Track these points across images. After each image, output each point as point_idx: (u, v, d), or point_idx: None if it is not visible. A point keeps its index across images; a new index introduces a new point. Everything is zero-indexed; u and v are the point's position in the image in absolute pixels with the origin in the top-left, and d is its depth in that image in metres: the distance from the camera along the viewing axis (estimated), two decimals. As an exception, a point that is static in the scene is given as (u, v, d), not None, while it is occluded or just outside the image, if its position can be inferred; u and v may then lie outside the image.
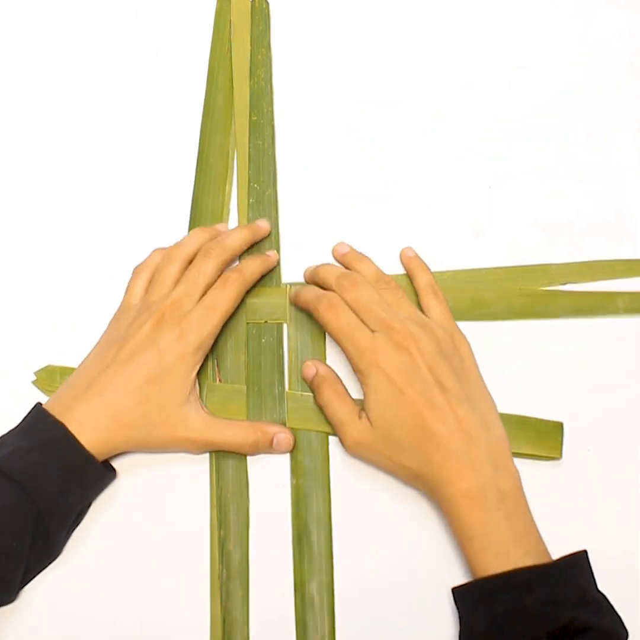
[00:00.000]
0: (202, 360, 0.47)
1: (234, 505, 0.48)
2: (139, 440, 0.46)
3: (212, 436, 0.47)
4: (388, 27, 0.59)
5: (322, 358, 0.50)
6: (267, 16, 0.59)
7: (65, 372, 0.51)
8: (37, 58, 0.59)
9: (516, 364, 0.51)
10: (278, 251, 0.53)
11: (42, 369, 0.51)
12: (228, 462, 0.48)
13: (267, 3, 0.59)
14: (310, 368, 0.49)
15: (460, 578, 0.46)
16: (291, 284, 0.52)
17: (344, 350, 0.46)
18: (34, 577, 0.45)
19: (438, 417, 0.43)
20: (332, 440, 0.49)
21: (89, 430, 0.44)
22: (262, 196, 0.54)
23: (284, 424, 0.49)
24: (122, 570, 0.47)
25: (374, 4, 0.60)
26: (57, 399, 0.46)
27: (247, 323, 0.51)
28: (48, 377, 0.51)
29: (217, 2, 0.59)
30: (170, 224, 0.54)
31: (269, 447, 0.48)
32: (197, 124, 0.57)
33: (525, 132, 0.56)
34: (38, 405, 0.46)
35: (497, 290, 0.52)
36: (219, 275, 0.49)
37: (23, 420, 0.46)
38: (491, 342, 0.51)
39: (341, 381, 0.48)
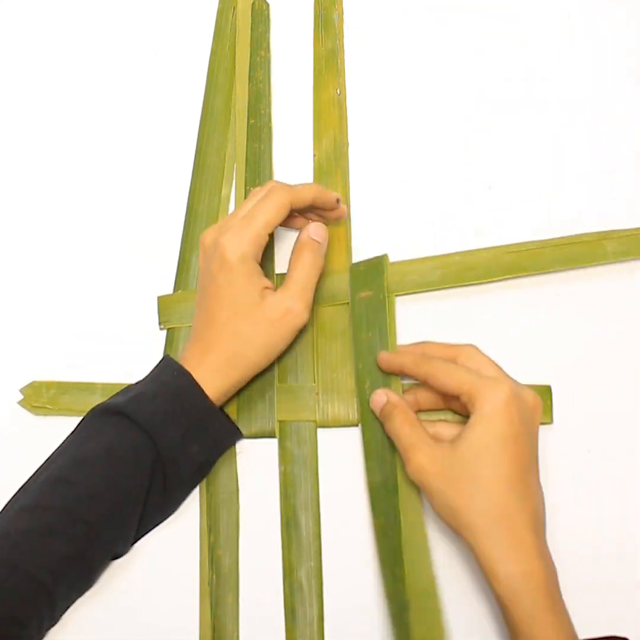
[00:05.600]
0: (257, 264, 0.51)
1: (224, 510, 0.53)
2: (246, 360, 0.50)
3: (296, 290, 0.51)
4: (387, 29, 0.64)
5: (312, 348, 0.56)
6: (267, 18, 0.65)
7: (51, 386, 0.56)
8: (36, 59, 0.65)
9: (509, 331, 0.55)
10: (272, 255, 0.58)
11: (27, 386, 0.56)
12: (218, 467, 0.53)
13: (267, 4, 0.65)
14: (381, 397, 0.51)
15: (447, 561, 0.51)
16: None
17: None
18: (146, 532, 0.51)
19: (532, 480, 0.46)
20: (321, 429, 0.54)
21: (198, 371, 0.49)
22: None
23: (272, 427, 0.54)
24: (113, 579, 0.51)
25: (374, 7, 0.65)
26: (183, 351, 0.52)
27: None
28: (34, 393, 0.56)
29: (220, 2, 0.65)
30: (164, 227, 0.60)
31: (320, 245, 0.53)
32: (196, 124, 0.62)
33: (527, 132, 0.61)
34: (167, 356, 0.52)
35: (483, 256, 0.56)
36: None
37: (152, 370, 0.52)
38: (483, 308, 0.56)
39: (412, 411, 0.50)
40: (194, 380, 0.49)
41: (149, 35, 0.65)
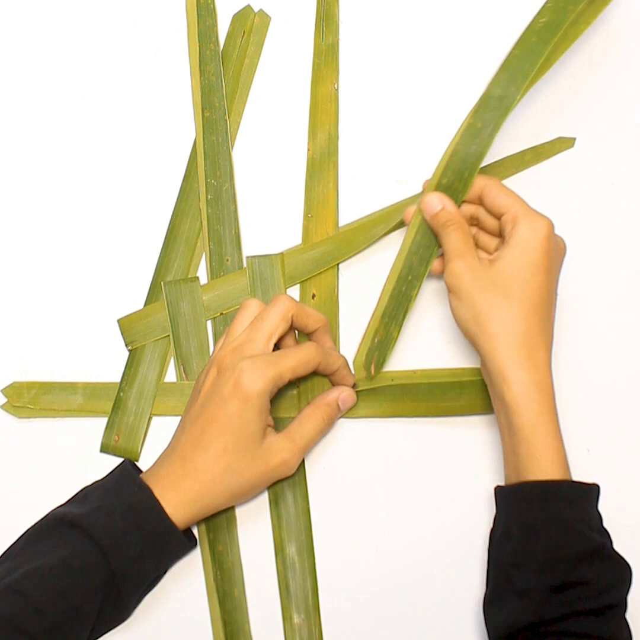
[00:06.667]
0: (273, 395, 0.50)
1: None
2: (227, 493, 0.50)
3: (300, 445, 0.51)
4: (385, 22, 0.65)
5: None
6: (213, 11, 0.65)
7: (33, 386, 0.57)
8: (36, 59, 0.64)
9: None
10: (239, 247, 0.59)
11: (8, 386, 0.57)
12: None
13: (212, -3, 0.66)
14: (435, 202, 0.53)
15: (438, 532, 0.53)
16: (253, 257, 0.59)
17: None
18: (100, 637, 0.50)
19: (552, 313, 0.51)
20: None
21: (171, 494, 0.48)
22: (220, 191, 0.61)
23: None
24: None
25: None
26: (157, 465, 0.51)
27: (212, 319, 0.58)
28: (16, 394, 0.56)
29: (230, 25, 0.65)
30: (153, 225, 0.60)
31: (339, 412, 0.54)
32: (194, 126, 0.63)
33: (524, 130, 0.61)
34: (126, 462, 0.52)
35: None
36: (289, 330, 0.52)
37: (111, 475, 0.52)
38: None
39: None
40: (154, 497, 0.48)
41: (148, 35, 0.65)
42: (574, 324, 0.57)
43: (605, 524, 0.49)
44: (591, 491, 0.48)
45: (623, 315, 0.58)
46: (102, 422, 0.57)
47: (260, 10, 0.65)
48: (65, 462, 0.56)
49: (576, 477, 0.49)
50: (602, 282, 0.59)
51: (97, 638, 0.50)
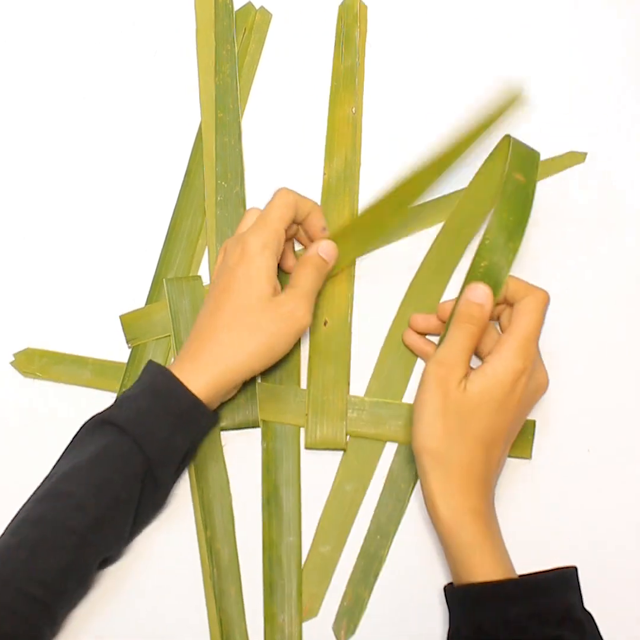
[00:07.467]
0: (276, 261, 0.53)
1: (217, 504, 0.55)
2: (246, 352, 0.51)
3: (301, 293, 0.53)
4: (410, 48, 0.65)
5: (298, 351, 0.58)
6: (231, 11, 0.66)
7: (44, 355, 0.58)
8: (35, 58, 0.65)
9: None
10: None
11: (21, 352, 0.58)
12: (206, 463, 0.55)
13: (231, -1, 0.66)
14: (481, 296, 0.51)
15: (422, 536, 0.54)
16: None
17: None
18: (145, 527, 0.53)
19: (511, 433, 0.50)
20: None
21: (188, 365, 0.51)
22: (230, 194, 0.61)
23: (256, 416, 0.56)
24: (117, 585, 0.53)
25: (398, 26, 0.66)
26: (181, 349, 0.53)
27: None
28: (27, 360, 0.58)
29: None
30: (156, 215, 0.62)
31: (326, 263, 0.55)
32: (194, 126, 0.63)
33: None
34: (149, 360, 0.53)
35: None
36: (288, 241, 0.56)
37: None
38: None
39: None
40: (172, 374, 0.50)
41: (148, 36, 0.66)
42: (574, 324, 0.58)
43: (604, 525, 0.50)
44: (543, 584, 0.47)
45: (623, 315, 0.59)
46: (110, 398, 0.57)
47: (262, 7, 0.66)
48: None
49: (576, 476, 0.50)
50: (602, 281, 0.60)
51: (142, 527, 0.52)
